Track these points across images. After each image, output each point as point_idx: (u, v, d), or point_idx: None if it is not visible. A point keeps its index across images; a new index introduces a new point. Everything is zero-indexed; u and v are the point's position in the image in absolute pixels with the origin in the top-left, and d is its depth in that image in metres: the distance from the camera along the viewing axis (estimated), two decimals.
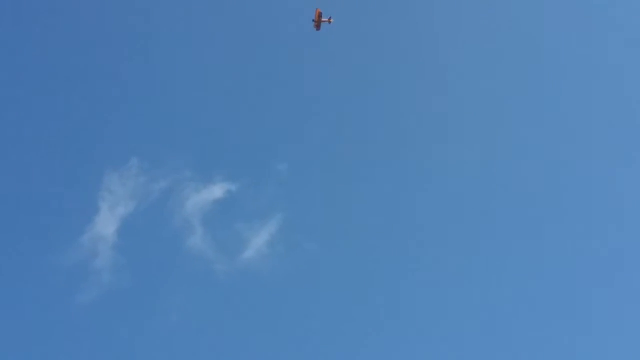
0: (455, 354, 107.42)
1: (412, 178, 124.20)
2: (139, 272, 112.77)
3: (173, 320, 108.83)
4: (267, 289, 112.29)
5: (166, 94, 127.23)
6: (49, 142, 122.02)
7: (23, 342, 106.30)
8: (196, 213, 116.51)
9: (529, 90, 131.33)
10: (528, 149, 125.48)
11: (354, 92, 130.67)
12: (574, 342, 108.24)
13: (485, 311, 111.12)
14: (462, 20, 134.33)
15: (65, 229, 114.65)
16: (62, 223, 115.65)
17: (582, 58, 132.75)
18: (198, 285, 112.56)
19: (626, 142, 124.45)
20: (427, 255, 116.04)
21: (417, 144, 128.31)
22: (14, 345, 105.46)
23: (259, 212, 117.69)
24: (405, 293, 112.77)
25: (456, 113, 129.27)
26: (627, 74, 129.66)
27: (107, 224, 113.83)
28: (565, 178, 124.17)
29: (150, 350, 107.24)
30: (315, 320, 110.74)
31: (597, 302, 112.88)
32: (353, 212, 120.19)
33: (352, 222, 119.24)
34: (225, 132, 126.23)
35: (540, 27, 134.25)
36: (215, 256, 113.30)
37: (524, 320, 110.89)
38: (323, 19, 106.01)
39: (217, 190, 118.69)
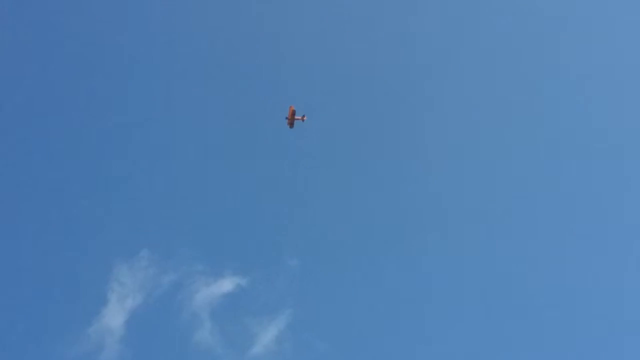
0: None
1: (425, 271, 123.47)
2: None
3: None
4: None
5: (178, 187, 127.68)
6: (60, 230, 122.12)
7: None
8: (205, 306, 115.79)
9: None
10: None
11: (364, 185, 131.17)
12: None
13: None
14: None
15: (73, 320, 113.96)
16: (70, 313, 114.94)
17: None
18: None
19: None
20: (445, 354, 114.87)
21: (430, 235, 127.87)
22: None
23: (268, 307, 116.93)
24: None
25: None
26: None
27: (114, 316, 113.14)
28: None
29: None
30: None
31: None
32: (365, 311, 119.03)
33: (364, 321, 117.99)
34: (236, 225, 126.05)
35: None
36: (223, 351, 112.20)
37: None
38: (296, 117, 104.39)
39: (227, 284, 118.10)
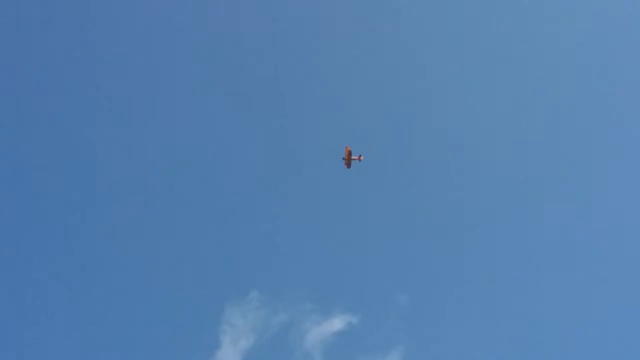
0: None
1: (541, 301, 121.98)
2: None
3: None
4: None
5: (280, 227, 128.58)
6: (171, 274, 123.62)
7: None
8: (317, 345, 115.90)
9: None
10: None
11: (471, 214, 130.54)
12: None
13: None
14: None
15: None
16: (186, 357, 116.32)
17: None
18: None
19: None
20: None
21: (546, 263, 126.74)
22: None
23: (380, 344, 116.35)
24: None
25: None
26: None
27: (229, 358, 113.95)
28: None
29: None
30: None
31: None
32: (480, 345, 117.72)
33: (478, 356, 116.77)
34: (344, 263, 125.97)
35: None
36: None
37: None
38: (353, 157, 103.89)
39: (338, 322, 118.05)
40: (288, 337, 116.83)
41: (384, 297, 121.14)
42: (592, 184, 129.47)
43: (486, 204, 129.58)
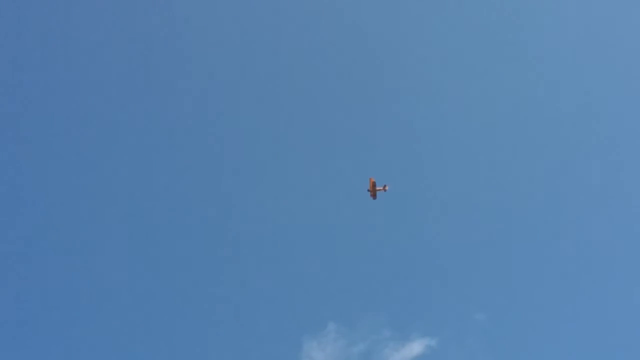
0: None
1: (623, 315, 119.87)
2: None
3: None
4: None
5: (353, 257, 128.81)
6: (249, 313, 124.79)
7: None
8: None
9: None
10: None
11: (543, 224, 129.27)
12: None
13: None
14: None
15: None
16: None
17: None
18: None
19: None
20: None
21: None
22: None
23: None
24: None
25: None
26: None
27: None
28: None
29: None
30: None
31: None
32: None
33: None
34: (418, 287, 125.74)
35: None
36: None
37: None
38: (378, 188, 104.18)
39: (417, 347, 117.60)
40: None
41: (461, 317, 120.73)
42: None
43: (561, 214, 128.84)
